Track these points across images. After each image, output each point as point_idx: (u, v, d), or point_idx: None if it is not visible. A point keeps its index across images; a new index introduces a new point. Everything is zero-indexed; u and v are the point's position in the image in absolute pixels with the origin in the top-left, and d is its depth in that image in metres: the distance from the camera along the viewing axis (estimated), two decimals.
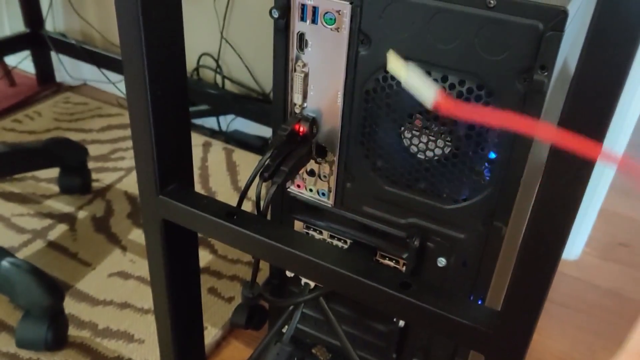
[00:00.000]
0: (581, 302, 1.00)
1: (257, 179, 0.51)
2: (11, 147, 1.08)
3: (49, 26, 1.54)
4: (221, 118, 1.41)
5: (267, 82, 1.33)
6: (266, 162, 0.50)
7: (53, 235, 1.07)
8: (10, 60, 1.57)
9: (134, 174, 1.25)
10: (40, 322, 0.84)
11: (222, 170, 1.29)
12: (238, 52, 1.32)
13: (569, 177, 0.35)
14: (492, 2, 0.41)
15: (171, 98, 0.49)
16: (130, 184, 1.22)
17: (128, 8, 0.43)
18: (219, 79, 1.38)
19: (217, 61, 1.36)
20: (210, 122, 1.42)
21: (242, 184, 1.25)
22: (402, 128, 0.49)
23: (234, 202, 1.26)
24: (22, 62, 1.58)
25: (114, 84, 1.50)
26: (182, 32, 0.47)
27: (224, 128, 1.42)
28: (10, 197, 1.15)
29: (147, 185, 0.51)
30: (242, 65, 1.33)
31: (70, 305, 0.93)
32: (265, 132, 1.37)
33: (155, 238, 0.54)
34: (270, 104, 1.31)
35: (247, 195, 1.19)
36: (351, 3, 0.46)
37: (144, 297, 0.95)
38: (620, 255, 1.13)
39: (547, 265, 0.38)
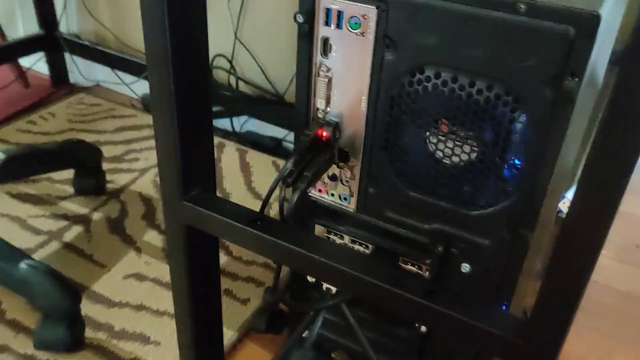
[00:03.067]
0: (598, 305, 0.99)
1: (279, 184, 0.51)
2: (27, 149, 1.09)
3: (63, 28, 1.54)
4: (234, 119, 1.41)
5: (281, 83, 1.33)
6: (289, 168, 0.50)
7: (68, 236, 1.07)
8: (25, 61, 1.58)
9: (147, 175, 1.25)
10: (58, 323, 0.84)
11: (236, 171, 1.29)
12: (252, 53, 1.32)
13: (605, 183, 0.34)
14: (522, 7, 0.41)
15: (195, 102, 0.48)
16: (145, 185, 1.22)
17: (154, 11, 0.43)
18: (232, 80, 1.38)
19: (231, 62, 1.36)
20: (223, 123, 1.42)
21: (255, 185, 1.24)
22: (428, 133, 0.49)
23: (248, 203, 1.26)
24: (36, 63, 1.59)
25: (128, 85, 1.50)
26: (206, 35, 0.47)
27: (237, 129, 1.42)
28: (26, 198, 1.16)
29: (170, 191, 0.51)
30: (256, 67, 1.33)
31: (87, 307, 0.93)
32: (279, 133, 1.37)
33: (177, 243, 0.54)
34: (284, 105, 1.30)
35: (262, 197, 1.19)
36: (377, 7, 0.46)
37: (160, 299, 0.96)
38: (638, 258, 1.12)
39: (580, 274, 0.37)
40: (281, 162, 1.32)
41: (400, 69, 0.47)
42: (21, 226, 1.08)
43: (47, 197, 1.16)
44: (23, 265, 0.83)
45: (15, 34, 1.66)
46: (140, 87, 1.49)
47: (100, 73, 1.58)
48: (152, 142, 1.36)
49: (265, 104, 1.32)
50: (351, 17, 0.47)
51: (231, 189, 1.23)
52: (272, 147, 1.38)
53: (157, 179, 1.25)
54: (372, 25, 0.47)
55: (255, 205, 1.23)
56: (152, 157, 1.31)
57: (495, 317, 0.44)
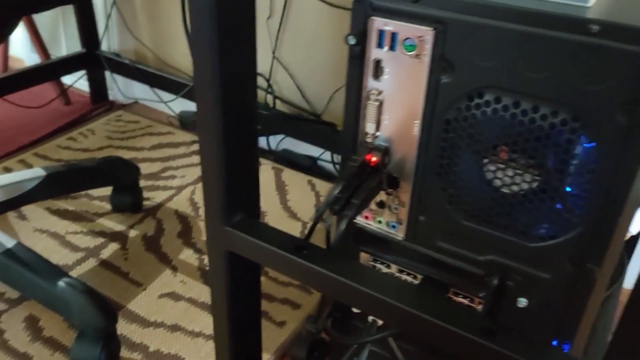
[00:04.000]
0: None
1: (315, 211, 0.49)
2: (67, 166, 1.09)
3: (104, 46, 1.57)
4: (270, 137, 1.41)
5: (318, 102, 1.32)
6: (335, 195, 0.48)
7: (105, 254, 1.07)
8: (66, 79, 1.61)
9: (184, 193, 1.25)
10: (94, 343, 0.83)
11: (272, 189, 1.27)
12: (289, 72, 1.32)
13: None
14: (594, 27, 0.38)
15: (242, 127, 0.47)
16: (181, 202, 1.22)
17: (204, 34, 0.42)
18: (269, 98, 1.38)
19: (268, 81, 1.36)
20: (259, 141, 1.42)
21: (291, 204, 1.23)
22: (485, 160, 0.46)
23: (283, 222, 1.24)
24: (77, 81, 1.62)
25: (166, 102, 1.51)
26: (255, 58, 0.46)
27: (273, 147, 1.41)
28: (64, 214, 1.17)
29: (213, 216, 0.49)
30: (293, 85, 1.33)
31: (122, 326, 0.92)
32: (314, 151, 1.36)
33: (219, 268, 0.53)
34: (321, 124, 1.29)
35: (298, 217, 1.17)
36: (435, 29, 0.44)
37: (195, 319, 0.94)
38: None
39: None
40: (317, 181, 1.31)
41: (457, 92, 0.45)
42: (60, 242, 1.09)
43: (85, 213, 1.17)
44: (61, 283, 0.83)
45: (58, 52, 1.70)
46: (178, 105, 1.50)
47: (138, 91, 1.60)
48: (189, 160, 1.37)
49: (303, 123, 1.31)
50: (406, 39, 0.45)
51: (267, 207, 1.22)
52: (307, 165, 1.37)
53: (194, 196, 1.25)
54: (428, 47, 0.45)
55: (291, 224, 1.22)
56: (188, 175, 1.31)
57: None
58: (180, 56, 1.49)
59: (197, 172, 1.33)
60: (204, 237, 1.13)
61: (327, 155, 1.36)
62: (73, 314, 0.83)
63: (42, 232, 1.12)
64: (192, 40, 0.43)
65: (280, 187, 1.28)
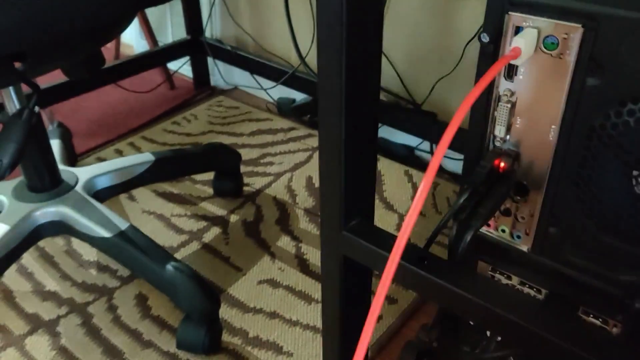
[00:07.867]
0: None
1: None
2: (175, 152, 1.14)
3: (207, 33, 1.61)
4: None
5: (418, 91, 1.28)
6: (462, 203, 0.45)
7: (207, 237, 1.11)
8: (172, 65, 1.68)
9: (282, 180, 1.26)
10: (199, 326, 0.87)
11: None
12: (389, 59, 1.28)
13: None
14: None
15: (363, 132, 0.45)
16: (279, 189, 1.23)
17: (331, 37, 0.41)
18: None
19: None
20: None
21: (387, 195, 1.21)
22: (636, 172, 0.41)
23: (379, 213, 1.21)
24: (181, 67, 1.68)
25: (265, 90, 1.53)
26: (379, 62, 0.44)
27: None
28: (169, 197, 1.22)
29: (331, 221, 0.48)
30: (393, 73, 1.29)
31: (223, 310, 0.95)
32: (412, 141, 1.32)
33: (333, 272, 0.52)
34: (421, 114, 1.25)
35: (394, 208, 1.14)
36: (584, 26, 0.39)
37: (292, 308, 0.95)
38: None
39: None
40: (414, 172, 1.27)
41: (607, 96, 0.40)
42: (165, 224, 1.14)
43: (188, 197, 1.22)
44: (170, 267, 0.87)
45: (165, 39, 1.77)
46: (276, 91, 1.52)
47: (238, 77, 1.63)
48: (286, 147, 1.38)
49: (402, 112, 1.27)
50: (547, 37, 0.41)
51: None
52: (404, 154, 1.33)
53: (291, 184, 1.26)
54: (573, 46, 0.40)
55: (387, 216, 1.19)
56: (286, 162, 1.33)
57: None
58: (280, 43, 1.49)
59: (294, 159, 1.34)
60: (301, 225, 1.14)
61: (425, 145, 1.32)
62: (179, 297, 0.86)
63: (149, 213, 1.17)
64: (320, 37, 0.41)
65: (377, 177, 1.26)
